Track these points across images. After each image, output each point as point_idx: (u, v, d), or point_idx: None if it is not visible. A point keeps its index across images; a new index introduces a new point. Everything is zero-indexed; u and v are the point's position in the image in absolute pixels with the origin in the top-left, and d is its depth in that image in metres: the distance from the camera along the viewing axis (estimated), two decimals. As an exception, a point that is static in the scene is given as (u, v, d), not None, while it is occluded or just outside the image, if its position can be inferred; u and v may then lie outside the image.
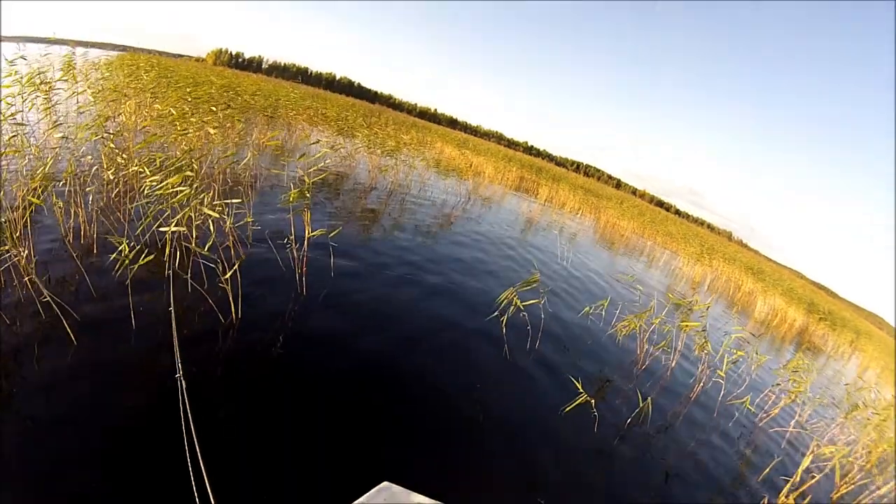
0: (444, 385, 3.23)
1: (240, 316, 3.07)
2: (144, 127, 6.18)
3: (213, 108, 7.33)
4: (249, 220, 3.81)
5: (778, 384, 5.27)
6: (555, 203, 18.42)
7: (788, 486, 3.26)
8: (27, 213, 3.09)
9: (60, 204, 3.40)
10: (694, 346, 5.24)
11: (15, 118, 3.52)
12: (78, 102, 5.94)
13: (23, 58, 5.03)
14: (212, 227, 3.05)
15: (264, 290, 3.62)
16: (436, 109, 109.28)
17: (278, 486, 1.99)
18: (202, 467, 1.58)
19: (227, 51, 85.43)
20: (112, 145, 4.21)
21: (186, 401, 1.93)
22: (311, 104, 16.73)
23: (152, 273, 3.21)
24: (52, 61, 6.90)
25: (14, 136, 3.47)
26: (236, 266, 3.07)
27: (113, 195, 4.41)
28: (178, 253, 3.14)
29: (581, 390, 3.22)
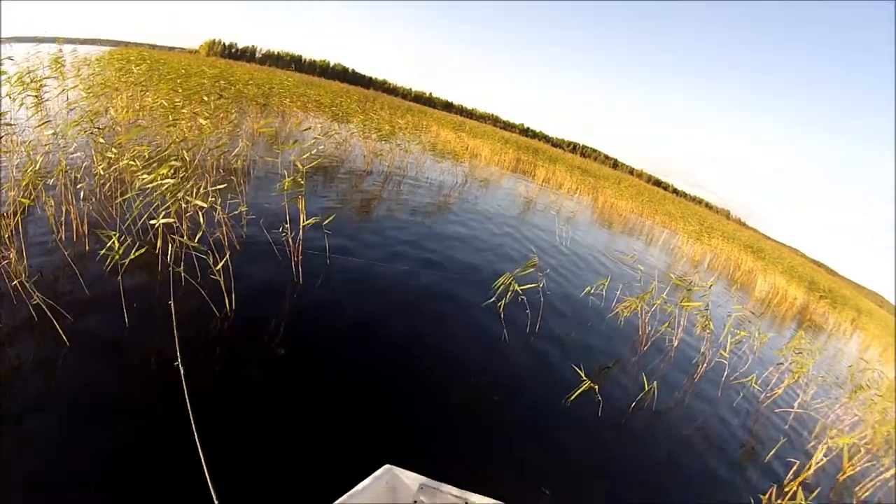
0: (443, 370, 3.22)
1: (233, 307, 3.04)
2: (136, 119, 6.09)
3: (205, 98, 7.21)
4: (244, 209, 3.76)
5: (781, 363, 5.25)
6: (552, 184, 18.28)
7: (793, 470, 3.26)
8: (17, 216, 3.05)
9: (52, 202, 3.34)
10: (696, 325, 5.22)
11: (5, 117, 3.45)
12: (68, 99, 5.84)
13: (10, 58, 4.95)
14: (202, 218, 3.00)
15: (260, 279, 3.59)
16: (431, 93, 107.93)
17: (276, 476, 1.98)
18: (202, 458, 1.57)
19: (219, 41, 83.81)
20: (102, 140, 4.14)
21: (185, 390, 1.91)
22: (305, 91, 16.50)
23: (144, 267, 3.17)
24: (42, 59, 6.79)
25: (3, 135, 3.41)
26: (227, 257, 3.03)
27: (105, 189, 4.35)
28: (170, 245, 3.09)
29: (583, 376, 3.20)
